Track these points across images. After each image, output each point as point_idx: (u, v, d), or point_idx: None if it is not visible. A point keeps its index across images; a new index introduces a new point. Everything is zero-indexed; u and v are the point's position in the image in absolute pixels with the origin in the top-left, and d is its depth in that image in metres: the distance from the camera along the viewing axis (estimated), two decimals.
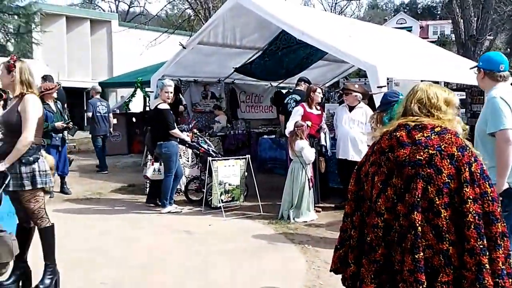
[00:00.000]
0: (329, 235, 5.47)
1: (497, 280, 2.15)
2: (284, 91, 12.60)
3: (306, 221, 6.04)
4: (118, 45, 23.58)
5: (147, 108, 12.92)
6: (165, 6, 26.73)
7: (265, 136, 10.03)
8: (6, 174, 3.47)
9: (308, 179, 6.12)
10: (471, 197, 2.18)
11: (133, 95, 13.69)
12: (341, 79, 12.68)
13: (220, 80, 11.37)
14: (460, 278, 2.17)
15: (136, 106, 14.57)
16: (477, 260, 2.13)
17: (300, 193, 6.08)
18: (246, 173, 6.81)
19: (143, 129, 12.89)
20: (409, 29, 35.85)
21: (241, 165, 6.82)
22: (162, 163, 6.76)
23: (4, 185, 3.45)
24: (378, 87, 6.03)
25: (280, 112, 8.01)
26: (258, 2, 7.55)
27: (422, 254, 2.17)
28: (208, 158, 6.62)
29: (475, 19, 16.72)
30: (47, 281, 3.69)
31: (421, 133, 2.29)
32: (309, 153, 6.09)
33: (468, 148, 2.28)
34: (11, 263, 3.59)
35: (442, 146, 2.25)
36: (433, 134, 2.29)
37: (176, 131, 6.61)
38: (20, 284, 3.77)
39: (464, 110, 10.11)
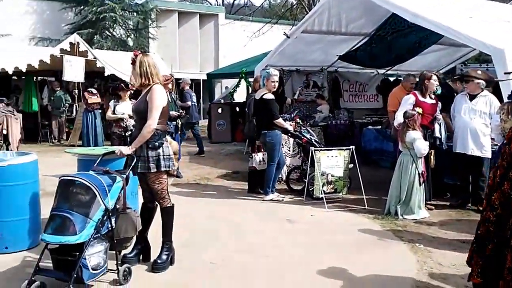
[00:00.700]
0: (442, 235, 5.14)
1: None
2: (391, 79, 12.13)
3: (416, 219, 5.71)
4: (224, 37, 24.34)
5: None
6: None
7: (370, 127, 9.72)
8: (133, 157, 3.81)
9: (419, 174, 5.72)
10: None
11: (237, 86, 14.09)
12: (459, 65, 11.79)
13: (322, 68, 11.23)
14: None
15: (240, 96, 14.97)
16: None
17: (409, 188, 5.74)
18: (351, 165, 6.64)
19: (246, 118, 13.22)
20: None
21: (345, 156, 6.69)
22: (265, 153, 6.84)
23: (131, 166, 3.79)
24: (505, 73, 5.47)
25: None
26: None
27: None
28: (311, 148, 6.58)
29: None
30: (164, 257, 3.99)
31: None
32: (422, 145, 5.69)
33: None
34: (134, 238, 3.94)
35: None
36: None
37: (280, 121, 6.66)
38: (141, 257, 4.12)
39: None
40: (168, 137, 4.16)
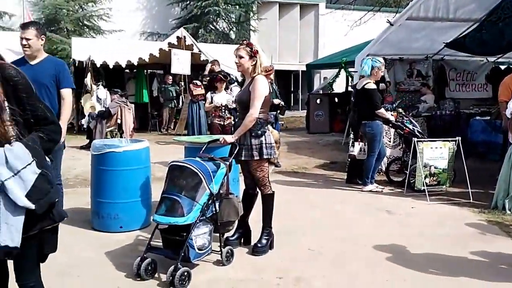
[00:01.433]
0: None
1: None
2: (503, 67, 11.29)
3: None
4: (324, 27, 24.13)
5: (349, 88, 13.05)
6: None
7: (478, 118, 9.13)
8: (236, 145, 4.02)
9: None
10: None
11: (337, 76, 13.94)
12: None
13: (428, 57, 10.72)
14: None
15: (339, 86, 14.80)
16: None
17: None
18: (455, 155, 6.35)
19: (345, 108, 13.08)
20: None
21: (450, 147, 6.40)
22: (366, 143, 6.77)
23: (234, 154, 4.00)
24: None
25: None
26: None
27: None
28: (413, 139, 6.38)
29: None
30: (264, 241, 4.17)
31: None
32: None
33: None
34: (236, 222, 4.15)
35: None
36: None
37: (382, 111, 6.55)
38: (242, 241, 4.33)
39: None
40: (269, 126, 4.32)
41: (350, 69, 12.48)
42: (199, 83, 11.45)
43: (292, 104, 23.70)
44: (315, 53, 23.98)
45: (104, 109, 10.65)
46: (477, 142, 8.75)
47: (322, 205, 5.95)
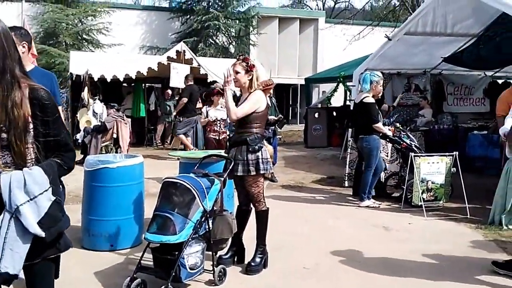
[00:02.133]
0: None
1: None
2: (500, 81, 11.31)
3: None
4: (323, 41, 24.25)
5: (347, 102, 13.05)
6: None
7: (475, 132, 9.11)
8: (230, 160, 3.98)
9: None
10: None
11: (335, 90, 13.95)
12: None
13: (426, 71, 10.74)
14: None
15: (337, 100, 14.81)
16: None
17: None
18: (454, 169, 6.31)
19: (343, 123, 13.06)
20: None
21: (447, 162, 6.37)
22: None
23: (229, 170, 3.95)
24: None
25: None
26: None
27: None
28: (410, 153, 6.34)
29: None
30: (258, 260, 4.10)
31: None
32: None
33: None
34: (230, 240, 4.09)
35: None
36: None
37: (379, 125, 6.52)
38: (235, 259, 4.25)
39: None
40: (264, 141, 4.27)
41: (348, 83, 12.49)
42: None
43: (290, 118, 23.72)
44: (314, 67, 24.06)
45: (100, 123, 10.62)
46: (474, 157, 8.72)
47: (318, 220, 5.88)
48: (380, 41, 9.08)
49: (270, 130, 8.01)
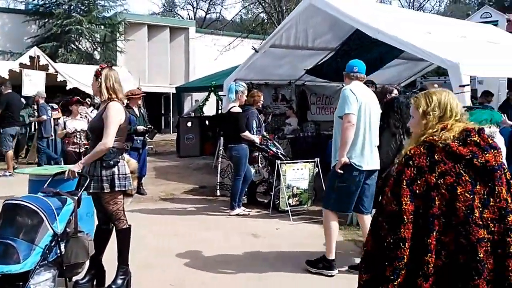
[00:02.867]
0: None
1: None
2: None
3: None
4: (195, 51, 24.27)
5: (220, 112, 13.16)
6: (240, 11, 27.11)
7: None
8: (86, 177, 3.65)
9: None
10: None
11: (206, 99, 13.98)
12: (418, 78, 12.01)
13: (290, 82, 11.26)
14: None
15: (210, 109, 14.87)
16: None
17: None
18: (316, 171, 6.62)
19: (215, 131, 13.12)
20: (495, 23, 33.19)
21: (310, 168, 6.68)
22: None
23: (84, 187, 3.62)
24: (460, 86, 5.58)
25: None
26: (332, 2, 7.40)
27: None
28: (277, 161, 6.53)
29: None
30: (119, 282, 3.81)
31: (484, 136, 2.28)
32: None
33: None
34: (87, 263, 3.75)
35: None
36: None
37: (246, 134, 6.61)
38: (94, 283, 3.92)
39: None
40: (126, 155, 4.01)
41: (219, 93, 12.59)
42: (55, 106, 10.61)
43: (163, 127, 23.25)
44: (186, 76, 23.94)
45: None
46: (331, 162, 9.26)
47: (188, 233, 5.74)
48: (249, 53, 9.32)
49: (139, 141, 7.71)
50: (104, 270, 3.96)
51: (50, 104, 10.76)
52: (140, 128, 7.58)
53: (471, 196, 2.17)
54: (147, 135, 8.19)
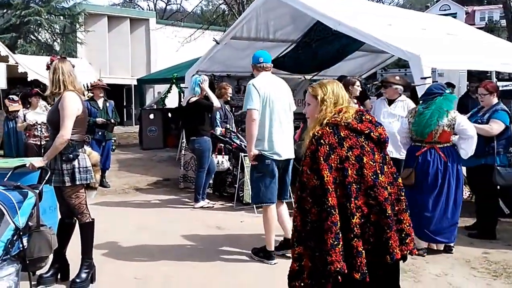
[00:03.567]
0: None
1: None
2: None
3: None
4: (156, 42, 23.97)
5: (182, 104, 13.09)
6: (200, 2, 26.83)
7: (296, 131, 9.83)
8: (47, 170, 3.62)
9: None
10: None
11: (168, 91, 13.89)
12: (379, 70, 12.25)
13: (253, 74, 11.26)
14: None
15: (172, 101, 14.77)
16: None
17: None
18: None
19: (178, 124, 13.07)
20: (454, 16, 34.16)
21: None
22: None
23: (45, 180, 3.59)
24: (421, 78, 5.73)
25: None
26: None
27: None
28: (240, 153, 6.59)
29: None
30: (84, 275, 3.81)
31: (371, 116, 2.82)
32: None
33: None
34: (51, 257, 3.71)
35: None
36: None
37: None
38: (58, 277, 3.91)
39: None
40: (87, 148, 3.99)
41: (181, 85, 12.52)
42: (15, 98, 10.34)
43: (125, 120, 22.92)
44: (147, 68, 23.64)
45: None
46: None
47: (152, 226, 5.74)
48: (210, 44, 9.30)
49: (99, 133, 7.63)
50: (68, 264, 3.95)
51: (10, 96, 10.47)
52: (99, 120, 7.51)
53: (374, 164, 2.63)
54: (106, 128, 8.10)
